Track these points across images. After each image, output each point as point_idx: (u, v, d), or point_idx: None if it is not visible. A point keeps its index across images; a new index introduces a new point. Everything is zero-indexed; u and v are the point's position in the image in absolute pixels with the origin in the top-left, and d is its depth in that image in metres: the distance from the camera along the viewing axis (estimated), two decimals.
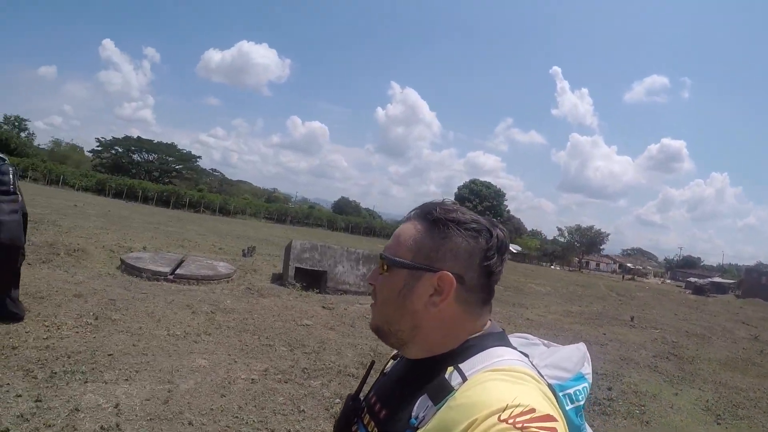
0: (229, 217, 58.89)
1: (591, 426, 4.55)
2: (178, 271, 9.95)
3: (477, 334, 0.95)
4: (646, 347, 11.23)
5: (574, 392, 1.01)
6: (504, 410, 0.72)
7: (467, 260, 0.94)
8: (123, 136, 79.62)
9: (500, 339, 0.96)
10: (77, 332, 5.65)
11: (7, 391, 3.98)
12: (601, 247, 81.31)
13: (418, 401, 0.87)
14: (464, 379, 0.84)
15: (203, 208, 61.78)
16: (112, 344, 5.47)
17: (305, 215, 76.77)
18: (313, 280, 11.50)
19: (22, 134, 74.43)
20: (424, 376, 0.91)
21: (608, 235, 77.11)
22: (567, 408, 0.97)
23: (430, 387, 0.87)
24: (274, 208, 74.71)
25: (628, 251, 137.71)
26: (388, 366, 1.15)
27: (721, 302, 39.40)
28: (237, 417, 4.29)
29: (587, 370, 1.07)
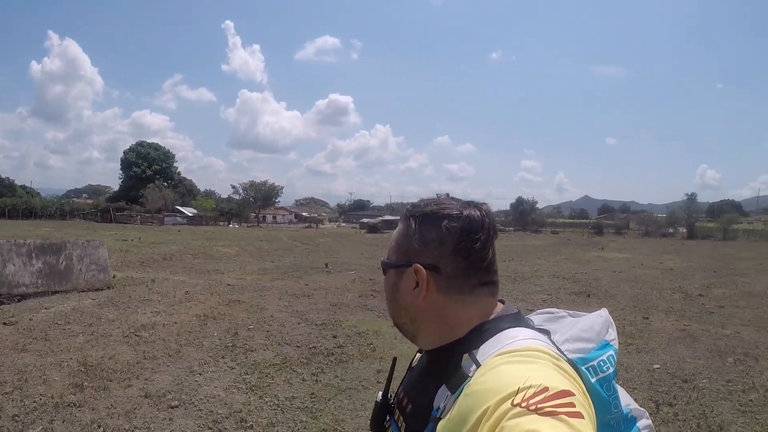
0: None
1: (337, 375, 4.69)
2: None
3: (487, 319, 0.95)
4: (350, 289, 12.43)
5: (598, 363, 0.95)
6: (516, 394, 0.71)
7: (438, 249, 0.94)
8: None
9: (514, 320, 0.95)
10: None
11: None
12: (276, 200, 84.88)
13: (438, 392, 0.89)
14: (478, 365, 0.84)
15: None
16: None
17: None
18: None
19: None
20: (441, 366, 0.93)
21: (282, 187, 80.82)
22: (592, 380, 0.93)
23: (447, 376, 0.89)
24: None
25: (302, 201, 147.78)
26: (415, 359, 1.14)
27: None
28: None
29: (612, 336, 1.02)
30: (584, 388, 0.81)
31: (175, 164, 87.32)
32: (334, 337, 7.58)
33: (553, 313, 1.11)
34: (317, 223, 78.16)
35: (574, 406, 0.69)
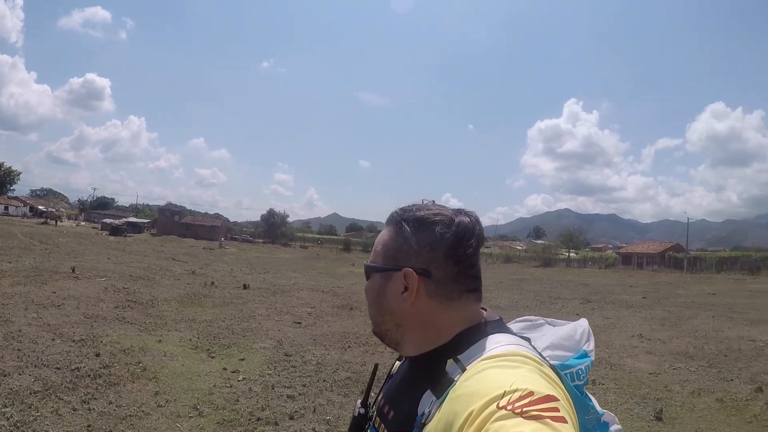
0: None
1: (111, 402, 4.78)
2: None
3: (472, 325, 0.96)
4: (104, 299, 11.57)
5: (577, 371, 1.03)
6: (502, 397, 0.72)
7: (429, 254, 0.96)
8: None
9: (497, 326, 0.97)
10: None
11: None
12: (11, 188, 72.25)
13: (423, 397, 0.89)
14: (463, 369, 0.86)
15: None
16: None
17: None
18: None
19: None
20: (426, 372, 0.93)
21: (20, 173, 69.28)
22: (571, 385, 0.99)
23: (432, 381, 0.89)
24: None
25: (39, 192, 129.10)
26: (394, 368, 1.16)
27: (141, 241, 42.54)
28: None
29: (590, 346, 1.08)
30: (567, 393, 0.82)
31: None
32: (97, 355, 6.92)
33: (531, 321, 1.18)
34: (56, 219, 68.37)
35: (559, 411, 0.71)
